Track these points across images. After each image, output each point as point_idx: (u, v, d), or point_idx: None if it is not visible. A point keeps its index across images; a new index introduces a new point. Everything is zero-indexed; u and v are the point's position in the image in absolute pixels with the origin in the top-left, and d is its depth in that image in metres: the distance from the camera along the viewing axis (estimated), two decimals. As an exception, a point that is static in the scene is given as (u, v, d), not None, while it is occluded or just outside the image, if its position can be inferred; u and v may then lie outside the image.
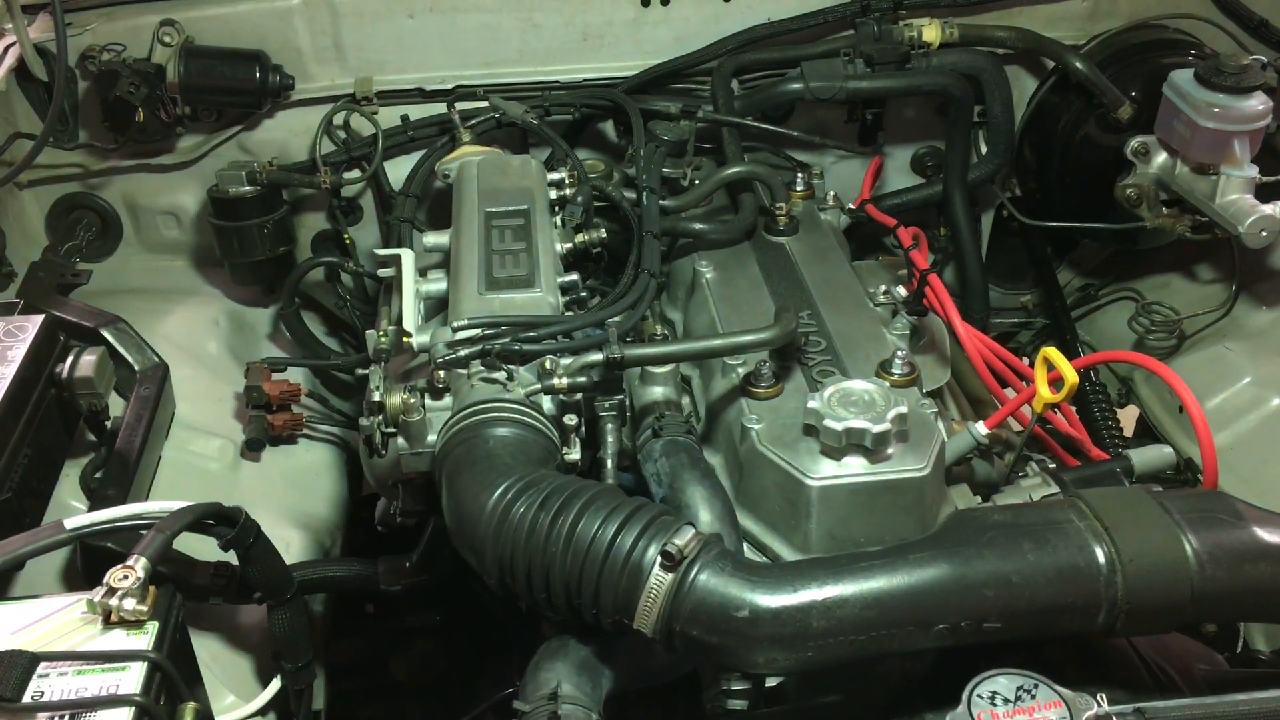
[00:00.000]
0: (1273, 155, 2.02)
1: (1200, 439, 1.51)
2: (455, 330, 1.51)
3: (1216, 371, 2.12)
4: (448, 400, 1.47)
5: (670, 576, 1.13)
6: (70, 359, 1.66)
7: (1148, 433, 2.30)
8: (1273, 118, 1.93)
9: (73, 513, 1.48)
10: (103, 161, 2.20)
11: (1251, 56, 1.96)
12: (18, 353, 1.56)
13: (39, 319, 1.64)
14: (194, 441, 1.89)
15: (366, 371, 1.58)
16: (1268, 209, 1.89)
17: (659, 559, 1.14)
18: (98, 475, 1.64)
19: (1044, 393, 1.53)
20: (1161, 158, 2.06)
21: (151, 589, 1.15)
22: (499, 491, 1.23)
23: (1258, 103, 1.90)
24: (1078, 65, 2.16)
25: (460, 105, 2.14)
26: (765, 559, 1.41)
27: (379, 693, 2.15)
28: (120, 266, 2.30)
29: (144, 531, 1.21)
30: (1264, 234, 1.90)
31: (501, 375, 1.44)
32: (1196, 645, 1.38)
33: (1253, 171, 1.94)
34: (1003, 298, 2.56)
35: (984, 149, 2.31)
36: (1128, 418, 2.33)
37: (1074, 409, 1.88)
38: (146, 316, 2.00)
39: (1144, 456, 1.61)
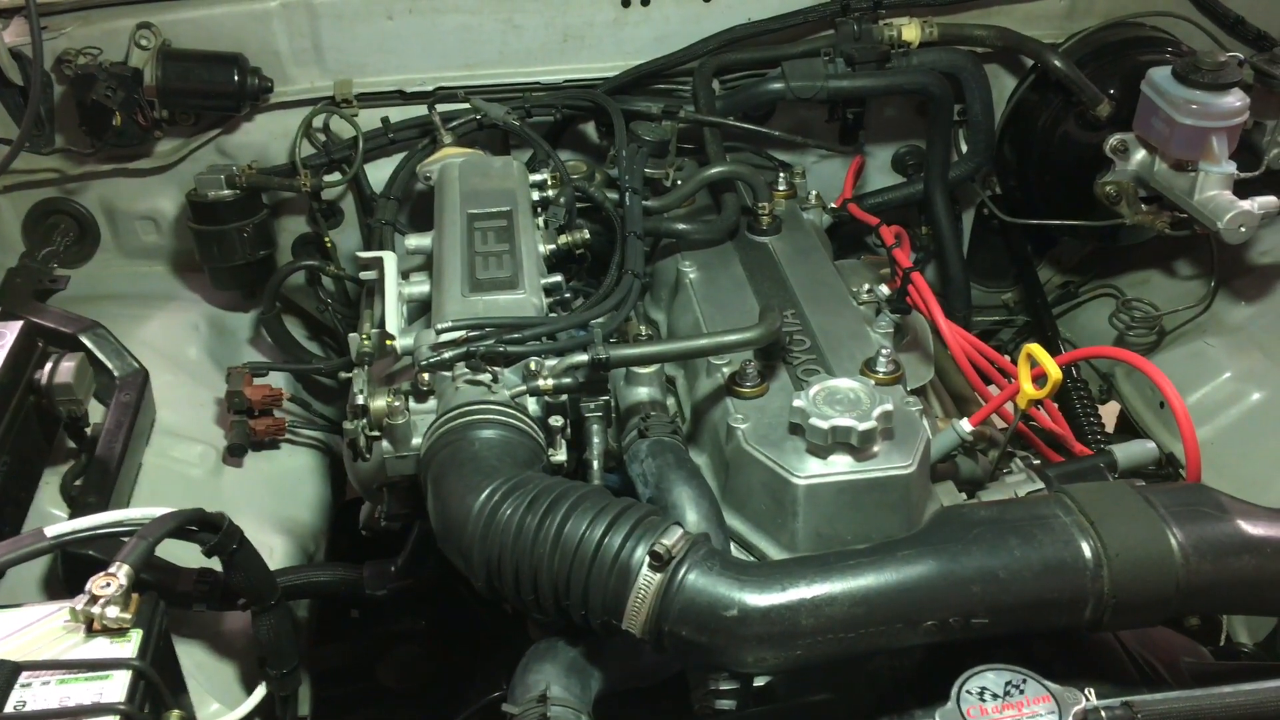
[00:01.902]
0: (1250, 152, 2.04)
1: (1183, 433, 1.52)
2: (439, 332, 1.50)
3: (1196, 367, 2.14)
4: (432, 403, 1.47)
5: (659, 576, 1.13)
6: (49, 365, 1.65)
7: (1129, 428, 2.31)
8: (1249, 114, 1.95)
9: (53, 521, 1.48)
10: (79, 166, 2.18)
11: (1228, 54, 1.97)
12: (-5, 359, 1.54)
13: (17, 325, 1.63)
14: (175, 447, 1.88)
15: (349, 375, 1.57)
16: (1246, 205, 1.91)
17: (647, 559, 1.14)
18: (78, 482, 1.63)
19: (1028, 389, 1.54)
20: (1140, 155, 2.07)
21: (134, 596, 1.15)
22: (485, 494, 1.22)
23: (1235, 99, 1.92)
24: (1056, 63, 2.17)
25: (441, 107, 2.13)
26: (752, 558, 1.41)
27: (365, 698, 2.14)
28: (98, 272, 2.27)
29: (126, 539, 1.20)
30: (1242, 229, 1.91)
31: (486, 377, 1.43)
32: (1181, 639, 1.39)
33: (1231, 168, 1.95)
34: (984, 296, 2.57)
35: (964, 147, 2.32)
36: (1109, 414, 2.34)
37: (1056, 405, 1.89)
38: (126, 322, 1.98)
39: (1127, 451, 1.62)
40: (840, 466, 1.36)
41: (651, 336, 1.69)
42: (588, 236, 1.81)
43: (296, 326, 2.35)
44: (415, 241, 1.82)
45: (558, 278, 1.70)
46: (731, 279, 1.81)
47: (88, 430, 1.69)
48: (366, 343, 1.56)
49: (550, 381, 1.42)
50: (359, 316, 1.82)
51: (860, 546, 1.19)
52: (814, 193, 2.10)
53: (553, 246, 1.78)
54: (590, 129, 2.26)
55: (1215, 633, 1.83)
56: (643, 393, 1.57)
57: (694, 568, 1.13)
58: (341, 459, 2.04)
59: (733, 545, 1.41)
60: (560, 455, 1.43)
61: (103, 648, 1.11)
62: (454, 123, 2.11)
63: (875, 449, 1.37)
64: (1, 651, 1.09)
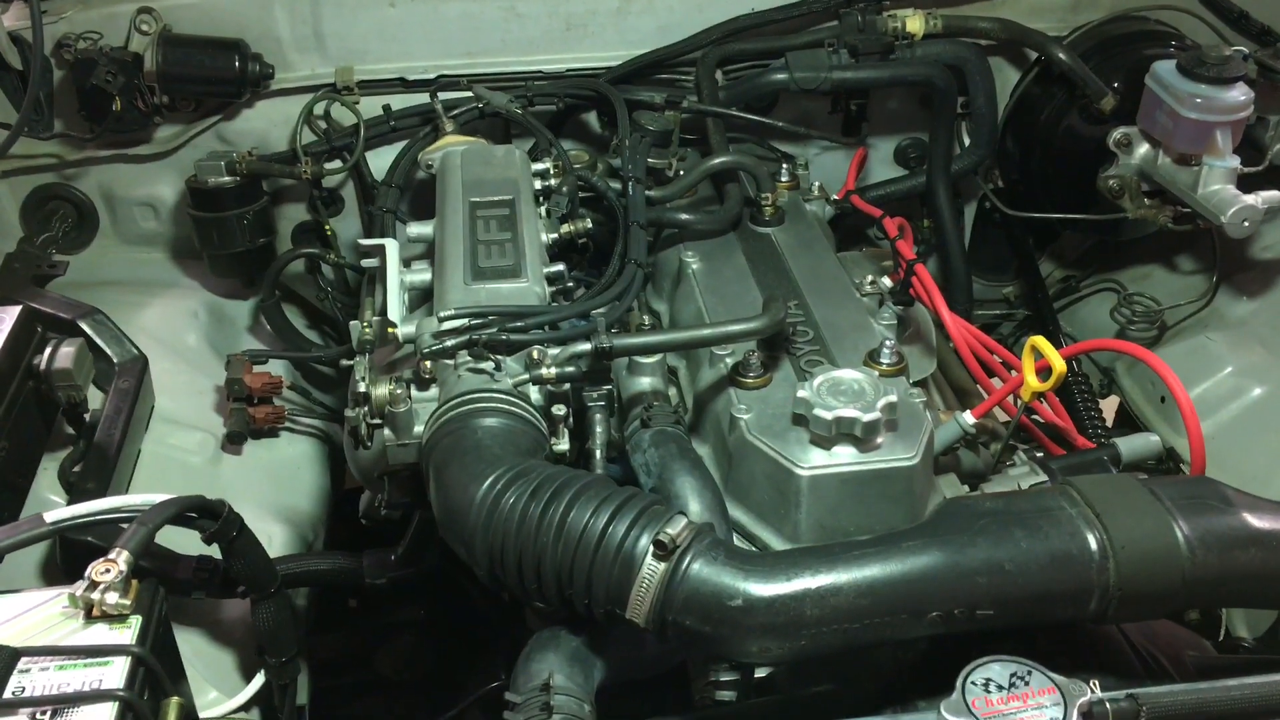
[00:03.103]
0: (1253, 146, 2.03)
1: (1188, 426, 1.52)
2: (441, 320, 1.49)
3: (1198, 362, 2.14)
4: (434, 391, 1.46)
5: (663, 566, 1.12)
6: (48, 351, 1.64)
7: (1128, 422, 2.31)
8: (1253, 109, 1.94)
9: (51, 507, 1.47)
10: (79, 152, 2.17)
11: (1233, 48, 1.97)
12: (-6, 344, 1.53)
13: (15, 310, 1.62)
14: (174, 435, 1.87)
15: (349, 363, 1.57)
16: (1250, 199, 1.90)
17: (651, 548, 1.13)
18: (76, 469, 1.62)
19: (1032, 381, 1.54)
20: (1144, 149, 2.07)
21: (134, 583, 1.14)
22: (488, 482, 1.22)
23: (1239, 94, 1.91)
24: (1060, 56, 2.16)
25: (443, 95, 2.12)
26: (755, 549, 1.40)
27: (364, 688, 2.14)
28: (97, 258, 2.26)
29: (125, 525, 1.19)
30: (1246, 224, 1.90)
31: (488, 366, 1.42)
32: (1185, 632, 1.38)
33: (1234, 162, 1.94)
34: (985, 289, 2.56)
35: (967, 140, 2.31)
36: (1108, 408, 2.34)
37: (1058, 398, 1.89)
38: (124, 309, 1.97)
39: (1130, 445, 1.62)
40: (844, 458, 1.35)
41: (654, 326, 1.68)
42: (590, 226, 1.81)
43: (296, 315, 2.34)
44: (417, 230, 1.81)
45: (560, 267, 1.69)
46: (734, 270, 1.80)
47: (86, 416, 1.69)
48: (368, 330, 1.55)
49: (553, 370, 1.41)
50: (359, 305, 1.81)
51: (865, 537, 1.19)
52: (817, 184, 2.10)
53: (555, 235, 1.77)
54: (593, 118, 2.25)
55: (1214, 627, 1.83)
56: (645, 383, 1.56)
57: (698, 557, 1.13)
58: (340, 448, 2.03)
59: (735, 536, 1.40)
60: (563, 444, 1.43)
61: (102, 634, 1.10)
62: (456, 111, 2.09)
63: (879, 440, 1.36)
64: (0, 637, 1.08)
